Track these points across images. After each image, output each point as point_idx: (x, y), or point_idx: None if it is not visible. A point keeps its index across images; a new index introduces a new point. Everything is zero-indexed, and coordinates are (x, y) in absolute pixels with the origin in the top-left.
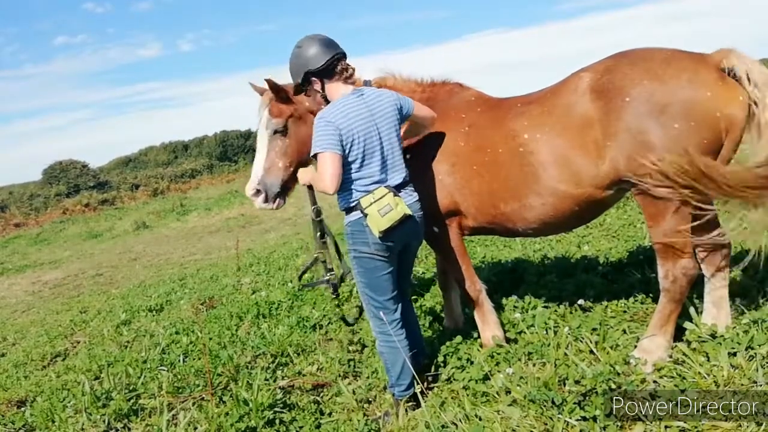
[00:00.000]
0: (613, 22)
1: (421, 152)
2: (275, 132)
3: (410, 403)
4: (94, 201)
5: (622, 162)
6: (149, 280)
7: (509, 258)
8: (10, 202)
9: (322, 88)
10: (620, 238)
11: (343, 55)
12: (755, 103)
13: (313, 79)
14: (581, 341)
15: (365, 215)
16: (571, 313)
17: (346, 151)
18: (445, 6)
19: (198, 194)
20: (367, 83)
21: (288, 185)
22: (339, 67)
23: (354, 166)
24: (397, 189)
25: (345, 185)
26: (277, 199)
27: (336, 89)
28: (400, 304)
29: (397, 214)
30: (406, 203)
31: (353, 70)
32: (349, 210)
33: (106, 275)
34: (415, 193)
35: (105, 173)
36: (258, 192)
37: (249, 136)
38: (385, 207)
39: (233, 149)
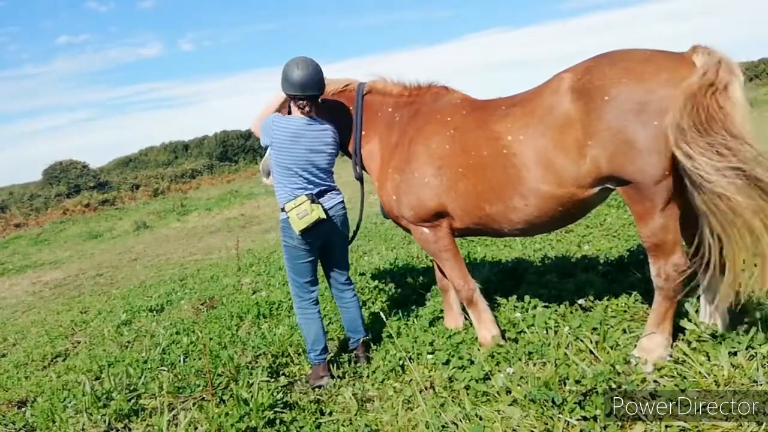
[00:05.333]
0: (613, 21)
1: (408, 155)
2: None
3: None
4: (95, 201)
5: (604, 161)
6: (150, 281)
7: (509, 258)
8: (11, 203)
9: (289, 105)
10: (620, 238)
11: (310, 97)
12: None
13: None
14: (581, 341)
15: (288, 216)
16: (571, 312)
17: (273, 148)
18: (445, 6)
19: (198, 194)
20: (361, 86)
21: None
22: (300, 103)
23: (285, 173)
24: (320, 195)
25: (279, 188)
26: (270, 176)
27: (294, 111)
28: (317, 287)
29: (312, 218)
30: (328, 206)
31: (310, 109)
32: (281, 209)
33: (107, 275)
34: (340, 197)
35: (105, 173)
36: (261, 168)
37: (249, 137)
38: (302, 212)
39: (233, 149)
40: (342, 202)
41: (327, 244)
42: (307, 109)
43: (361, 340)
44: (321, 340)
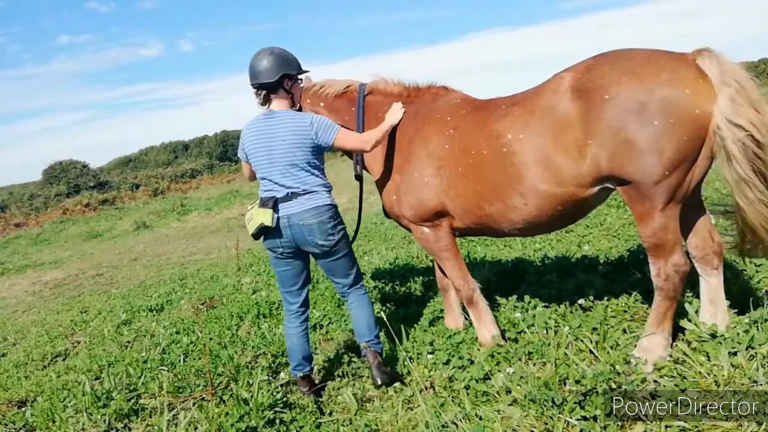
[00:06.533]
0: (614, 21)
1: (408, 155)
2: None
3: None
4: (95, 201)
5: (604, 160)
6: (149, 280)
7: (509, 257)
8: (11, 203)
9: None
10: (620, 238)
11: (262, 86)
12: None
13: None
14: (581, 341)
15: None
16: (571, 312)
17: (250, 161)
18: (445, 6)
19: (198, 194)
20: (362, 87)
21: None
22: (255, 92)
23: (257, 175)
24: (291, 197)
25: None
26: None
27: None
28: (298, 300)
29: (254, 224)
30: (292, 212)
31: (263, 98)
32: None
33: (107, 275)
34: (314, 202)
35: (105, 173)
36: None
37: None
38: (249, 216)
39: (233, 149)
40: (318, 207)
41: (306, 253)
42: (261, 99)
43: (365, 346)
44: (295, 356)
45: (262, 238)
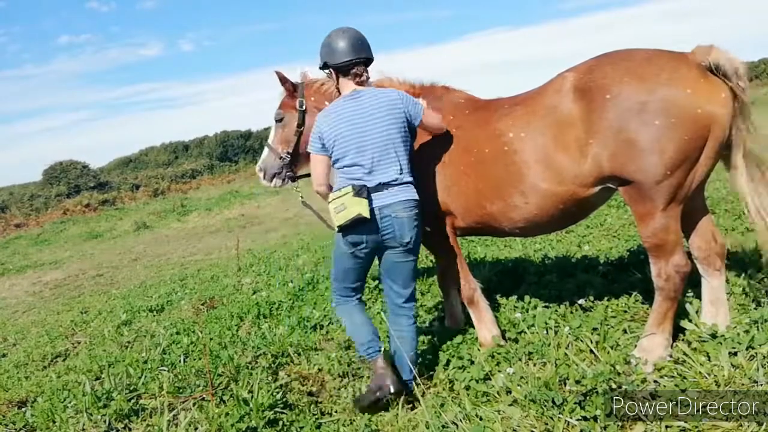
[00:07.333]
0: (614, 21)
1: (410, 153)
2: (276, 120)
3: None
4: (95, 201)
5: (605, 159)
6: (150, 281)
7: (510, 257)
8: (11, 203)
9: (337, 80)
10: (620, 238)
11: (364, 61)
12: (742, 95)
13: (330, 70)
14: (582, 341)
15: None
16: (571, 312)
17: (330, 152)
18: (445, 6)
19: (198, 194)
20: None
21: (287, 170)
22: (354, 70)
23: (339, 164)
24: (382, 187)
25: (338, 180)
26: (274, 179)
27: (346, 86)
28: (359, 291)
29: (349, 214)
30: (385, 203)
31: (367, 76)
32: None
33: (107, 275)
34: (405, 194)
35: (105, 173)
36: (260, 170)
37: (249, 136)
38: (339, 206)
39: (234, 149)
40: (409, 201)
41: (381, 250)
42: (366, 75)
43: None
44: (366, 333)
45: (335, 227)
